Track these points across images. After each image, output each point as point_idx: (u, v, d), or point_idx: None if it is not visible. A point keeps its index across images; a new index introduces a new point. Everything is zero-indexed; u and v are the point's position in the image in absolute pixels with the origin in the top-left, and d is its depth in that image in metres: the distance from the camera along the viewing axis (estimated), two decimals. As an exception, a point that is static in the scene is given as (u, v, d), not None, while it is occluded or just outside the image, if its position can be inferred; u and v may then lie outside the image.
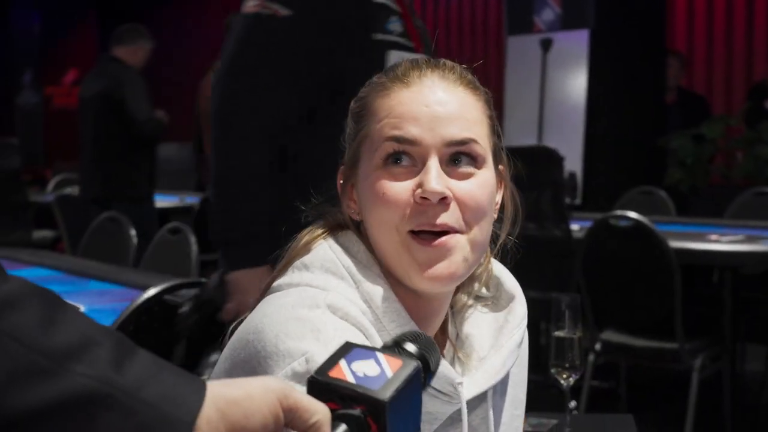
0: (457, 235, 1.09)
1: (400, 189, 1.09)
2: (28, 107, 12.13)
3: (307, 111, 2.23)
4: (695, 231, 4.65)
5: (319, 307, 1.05)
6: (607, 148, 6.28)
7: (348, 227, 1.17)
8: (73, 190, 6.57)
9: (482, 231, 1.13)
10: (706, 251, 4.11)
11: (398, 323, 1.11)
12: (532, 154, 4.40)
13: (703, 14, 8.11)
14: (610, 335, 4.00)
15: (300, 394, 0.76)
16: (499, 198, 1.20)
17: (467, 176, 1.10)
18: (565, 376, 1.98)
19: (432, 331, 1.19)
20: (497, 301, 1.23)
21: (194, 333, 2.25)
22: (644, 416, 4.54)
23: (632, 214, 3.86)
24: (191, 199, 6.71)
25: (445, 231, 1.08)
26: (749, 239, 4.32)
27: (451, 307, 1.21)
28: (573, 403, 2.11)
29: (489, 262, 1.25)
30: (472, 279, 1.21)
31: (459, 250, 1.09)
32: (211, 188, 2.32)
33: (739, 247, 4.15)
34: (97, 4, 12.32)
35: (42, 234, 6.65)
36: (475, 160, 1.12)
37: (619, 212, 4.07)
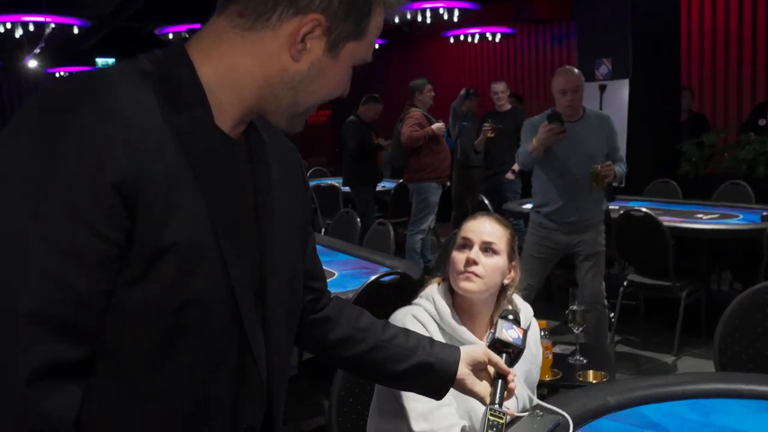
0: (477, 277, 1.97)
1: (462, 257, 2.00)
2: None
3: None
4: (690, 209, 5.74)
5: (408, 314, 1.96)
6: (642, 150, 7.26)
7: (446, 280, 2.06)
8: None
9: (489, 279, 1.98)
10: (690, 228, 5.06)
11: (446, 314, 1.96)
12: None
13: (709, 55, 8.60)
14: (633, 276, 5.11)
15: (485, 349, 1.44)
16: (508, 270, 2.03)
17: (489, 257, 1.99)
18: (576, 329, 3.19)
19: (477, 322, 2.02)
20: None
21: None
22: (652, 321, 5.63)
23: (643, 209, 4.85)
24: (389, 184, 8.37)
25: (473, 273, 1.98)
26: (722, 216, 5.40)
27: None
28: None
29: (511, 300, 2.06)
30: (500, 305, 2.04)
31: (476, 280, 1.98)
32: None
33: (711, 225, 5.11)
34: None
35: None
36: (494, 252, 2.00)
37: (635, 206, 4.97)
